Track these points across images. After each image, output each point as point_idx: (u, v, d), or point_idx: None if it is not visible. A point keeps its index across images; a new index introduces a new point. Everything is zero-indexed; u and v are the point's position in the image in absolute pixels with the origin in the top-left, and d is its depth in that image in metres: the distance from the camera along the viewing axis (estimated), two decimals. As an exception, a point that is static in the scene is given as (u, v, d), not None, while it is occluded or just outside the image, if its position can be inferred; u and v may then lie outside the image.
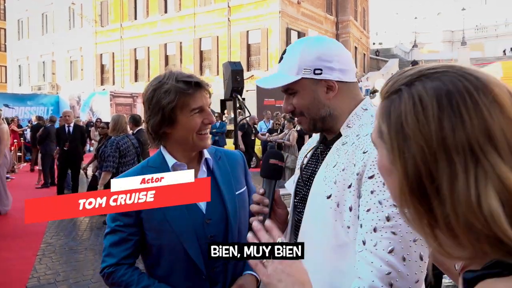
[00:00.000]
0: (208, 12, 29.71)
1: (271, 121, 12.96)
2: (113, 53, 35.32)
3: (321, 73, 1.22)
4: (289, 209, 1.42)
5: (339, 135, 1.25)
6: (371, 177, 1.07)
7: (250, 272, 1.57)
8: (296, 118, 1.32)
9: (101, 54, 36.15)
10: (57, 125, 10.69)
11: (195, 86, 1.48)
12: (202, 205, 1.52)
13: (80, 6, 36.09)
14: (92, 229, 6.87)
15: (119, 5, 34.13)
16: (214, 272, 1.51)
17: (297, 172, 1.41)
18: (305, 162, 1.37)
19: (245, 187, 1.65)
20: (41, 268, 5.14)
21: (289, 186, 1.42)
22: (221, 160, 1.63)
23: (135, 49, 34.00)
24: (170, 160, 1.53)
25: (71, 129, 8.74)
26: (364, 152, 1.11)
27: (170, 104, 1.44)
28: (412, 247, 1.00)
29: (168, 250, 1.48)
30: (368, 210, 1.05)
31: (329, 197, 1.15)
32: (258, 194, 1.26)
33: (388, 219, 1.02)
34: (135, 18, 33.82)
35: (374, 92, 26.28)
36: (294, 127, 11.30)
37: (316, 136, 1.46)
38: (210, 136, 1.58)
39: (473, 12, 52.74)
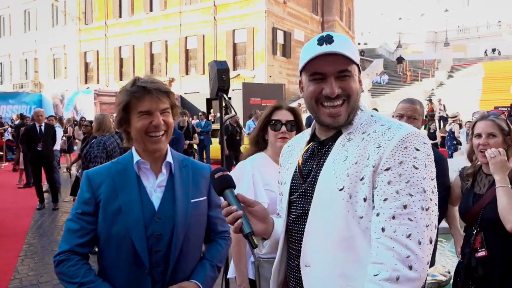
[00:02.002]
0: (194, 10, 29.57)
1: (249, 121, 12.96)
2: (97, 51, 34.90)
3: (359, 66, 1.32)
4: (282, 207, 1.43)
5: (337, 133, 1.31)
6: (387, 169, 1.15)
7: (195, 281, 1.62)
8: (332, 106, 1.27)
9: (85, 52, 35.69)
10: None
11: (144, 90, 1.56)
12: (156, 204, 1.60)
13: (64, 3, 35.59)
14: (76, 230, 6.79)
15: (103, 3, 33.74)
16: (156, 271, 1.56)
17: (290, 170, 1.43)
18: (300, 161, 1.40)
19: (205, 197, 1.72)
20: (23, 269, 5.06)
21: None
22: (185, 168, 1.71)
23: (120, 47, 33.65)
24: (136, 158, 1.63)
25: (42, 128, 8.45)
26: (378, 147, 1.18)
27: (120, 104, 1.59)
28: (425, 231, 1.11)
29: (116, 240, 1.55)
30: (385, 200, 1.14)
31: (341, 189, 1.20)
32: (224, 207, 1.29)
33: (405, 207, 1.12)
34: (120, 16, 33.47)
35: (359, 91, 26.51)
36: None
37: (300, 137, 1.51)
38: (164, 140, 1.62)
39: (456, 14, 53.56)
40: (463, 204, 2.49)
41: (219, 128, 8.27)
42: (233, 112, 4.56)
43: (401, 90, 28.22)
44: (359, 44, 50.51)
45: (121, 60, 33.92)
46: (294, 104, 19.77)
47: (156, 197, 1.61)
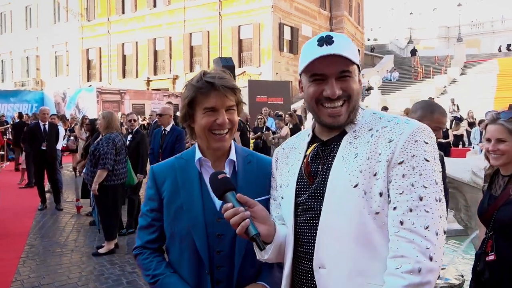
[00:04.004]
0: (198, 6, 29.62)
1: (270, 118, 12.97)
2: (100, 48, 35.07)
3: (358, 66, 1.37)
4: (286, 211, 1.43)
5: (342, 133, 1.35)
6: (400, 163, 1.21)
7: (262, 283, 1.60)
8: (333, 107, 1.32)
9: (88, 49, 35.88)
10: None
11: (211, 86, 1.54)
12: (217, 203, 1.58)
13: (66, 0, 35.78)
14: (79, 231, 6.82)
15: (106, -1, 33.90)
16: (219, 271, 1.57)
17: (293, 172, 1.43)
18: (306, 162, 1.40)
19: (269, 196, 1.67)
20: (24, 271, 5.09)
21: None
22: (250, 164, 1.68)
23: (123, 44, 33.78)
24: (198, 154, 1.64)
25: (47, 127, 8.45)
26: (390, 141, 1.24)
27: (186, 99, 1.59)
28: (440, 222, 1.17)
29: (179, 238, 1.59)
30: (401, 193, 1.19)
31: (355, 186, 1.23)
32: (228, 209, 1.30)
33: (421, 198, 1.17)
34: (123, 12, 33.60)
35: (369, 89, 26.40)
36: (287, 124, 11.36)
37: (297, 139, 1.53)
38: (228, 138, 1.61)
39: (469, 8, 53.15)
40: (480, 205, 2.48)
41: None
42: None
43: (412, 87, 28.09)
44: (368, 40, 50.28)
45: (124, 57, 34.05)
46: (300, 103, 19.63)
47: None
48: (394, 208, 1.19)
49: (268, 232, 1.35)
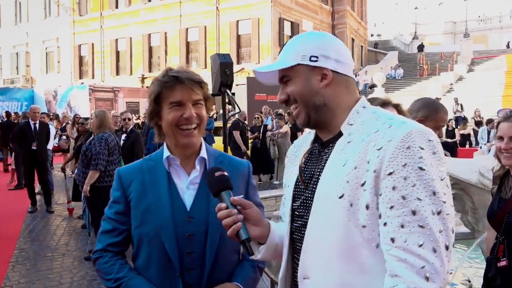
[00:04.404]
0: (195, 0, 29.61)
1: (270, 117, 12.96)
2: (92, 44, 35.05)
3: (316, 61, 1.30)
4: (284, 213, 1.44)
5: (339, 134, 1.30)
6: (390, 174, 1.12)
7: (236, 283, 1.62)
8: (293, 112, 1.38)
9: (80, 45, 35.85)
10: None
11: (176, 80, 1.57)
12: (188, 202, 1.60)
13: (57, -7, 35.77)
14: (71, 234, 6.82)
15: (99, -8, 33.89)
16: (190, 274, 1.57)
17: (294, 173, 1.43)
18: (301, 164, 1.39)
19: (242, 196, 1.65)
20: (14, 276, 5.09)
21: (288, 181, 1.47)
22: (221, 164, 1.67)
23: (116, 40, 33.76)
24: (166, 153, 1.64)
25: (37, 126, 8.41)
26: (378, 149, 1.15)
27: (152, 95, 1.61)
28: (440, 238, 1.08)
29: (147, 241, 1.58)
30: (391, 207, 1.11)
31: (341, 197, 1.19)
32: (221, 209, 1.31)
33: (414, 213, 1.09)
34: (116, 7, 33.58)
35: (372, 86, 26.42)
36: (287, 123, 11.37)
37: (306, 136, 1.49)
38: (197, 134, 1.62)
39: (477, 2, 53.21)
40: (489, 208, 2.47)
41: (221, 126, 8.27)
42: (237, 109, 4.57)
43: (418, 84, 28.14)
44: (372, 35, 50.35)
45: (117, 53, 34.04)
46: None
47: (188, 195, 1.61)
48: (385, 224, 1.12)
49: (261, 234, 1.36)
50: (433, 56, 35.17)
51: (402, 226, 1.09)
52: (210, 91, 6.80)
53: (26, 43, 38.31)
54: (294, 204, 1.38)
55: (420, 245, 1.07)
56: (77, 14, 35.52)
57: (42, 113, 10.83)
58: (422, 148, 1.12)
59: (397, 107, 2.30)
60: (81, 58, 36.15)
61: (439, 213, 1.09)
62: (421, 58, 33.07)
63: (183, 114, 1.56)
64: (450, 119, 16.19)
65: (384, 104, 2.20)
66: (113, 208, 1.65)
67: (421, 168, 1.10)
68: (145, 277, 1.59)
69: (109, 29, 33.88)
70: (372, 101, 2.01)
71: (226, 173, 1.37)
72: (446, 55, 33.96)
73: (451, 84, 26.45)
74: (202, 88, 1.61)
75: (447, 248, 1.09)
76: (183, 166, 1.64)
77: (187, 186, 1.62)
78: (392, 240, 1.10)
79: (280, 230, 1.42)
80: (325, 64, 1.29)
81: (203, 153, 1.67)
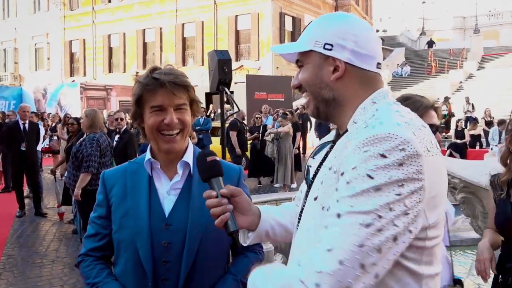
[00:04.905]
0: (191, -6, 29.64)
1: (270, 117, 12.96)
2: (84, 40, 35.07)
3: (331, 49, 1.21)
4: (297, 210, 1.43)
5: (346, 132, 1.25)
6: (342, 174, 1.07)
7: None
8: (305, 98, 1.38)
9: (71, 41, 35.86)
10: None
11: (157, 82, 1.55)
12: (167, 209, 1.61)
13: (46, -13, 35.82)
14: (61, 240, 6.81)
15: (90, -14, 33.92)
16: (164, 284, 1.57)
17: (310, 173, 1.43)
18: (308, 162, 1.40)
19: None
20: (1, 284, 5.08)
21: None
22: None
23: (109, 35, 33.79)
24: (147, 156, 1.65)
25: (27, 126, 8.38)
26: (346, 148, 1.11)
27: (134, 97, 1.62)
28: (354, 252, 0.97)
29: (124, 247, 1.60)
30: (328, 209, 1.08)
31: (315, 199, 1.19)
32: (210, 197, 1.31)
33: (338, 216, 1.01)
34: (109, 1, 33.62)
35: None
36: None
37: (329, 136, 1.46)
38: (180, 139, 1.61)
39: (487, -4, 53.29)
40: (500, 216, 2.44)
41: (219, 125, 8.27)
42: (236, 108, 4.57)
43: (425, 83, 28.15)
44: (377, 31, 50.37)
45: (110, 49, 34.06)
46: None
47: (168, 201, 1.61)
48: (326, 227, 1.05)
49: (250, 223, 1.39)
50: (441, 52, 35.17)
51: (326, 227, 1.04)
52: (208, 90, 6.79)
53: (14, 39, 38.32)
54: (303, 203, 1.37)
55: (329, 250, 0.98)
56: (68, 8, 35.54)
57: (31, 112, 10.83)
58: (384, 156, 1.00)
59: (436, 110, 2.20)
60: (72, 55, 36.15)
61: (367, 225, 0.97)
62: (429, 54, 33.08)
63: (164, 119, 1.55)
64: (460, 119, 16.21)
65: (426, 108, 2.09)
66: (96, 212, 1.68)
67: (369, 176, 0.99)
68: (122, 284, 1.61)
69: (102, 24, 33.90)
70: (409, 103, 1.94)
71: (218, 158, 1.37)
72: (455, 52, 33.97)
73: (461, 82, 26.48)
74: (187, 91, 1.60)
75: (362, 267, 0.97)
76: (166, 170, 1.64)
77: (167, 191, 1.62)
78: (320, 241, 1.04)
79: (274, 213, 1.46)
80: (339, 54, 1.20)
81: (187, 158, 1.66)
